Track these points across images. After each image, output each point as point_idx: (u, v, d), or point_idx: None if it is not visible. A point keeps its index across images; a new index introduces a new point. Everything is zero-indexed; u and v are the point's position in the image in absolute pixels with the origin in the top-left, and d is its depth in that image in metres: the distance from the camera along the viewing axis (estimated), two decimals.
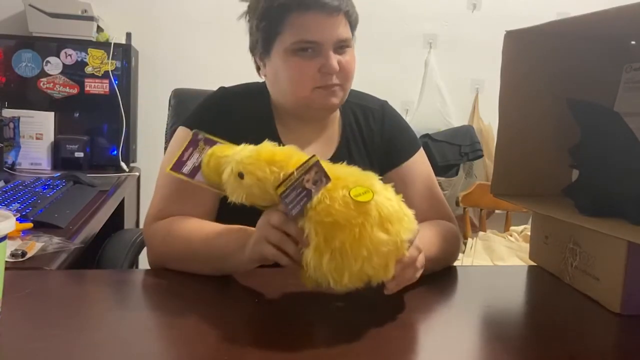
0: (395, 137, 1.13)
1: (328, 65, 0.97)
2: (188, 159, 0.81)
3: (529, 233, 1.35)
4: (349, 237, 0.68)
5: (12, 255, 0.93)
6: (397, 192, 1.10)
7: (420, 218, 1.04)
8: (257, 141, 1.00)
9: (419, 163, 1.12)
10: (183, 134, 1.06)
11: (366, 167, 1.09)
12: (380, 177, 1.10)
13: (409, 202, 1.06)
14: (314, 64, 0.97)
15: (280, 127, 1.08)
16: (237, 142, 0.97)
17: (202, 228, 0.93)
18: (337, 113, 1.13)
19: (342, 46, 1.00)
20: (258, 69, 1.09)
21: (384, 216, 0.70)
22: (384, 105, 1.16)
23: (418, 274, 0.80)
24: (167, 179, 1.00)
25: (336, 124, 1.12)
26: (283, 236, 0.75)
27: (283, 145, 1.05)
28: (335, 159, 1.08)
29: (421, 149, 1.14)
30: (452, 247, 1.02)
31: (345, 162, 1.07)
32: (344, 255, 0.68)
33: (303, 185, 0.70)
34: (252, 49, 1.06)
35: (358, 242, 0.68)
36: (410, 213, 0.76)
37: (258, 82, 1.12)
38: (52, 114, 2.16)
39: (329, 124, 1.11)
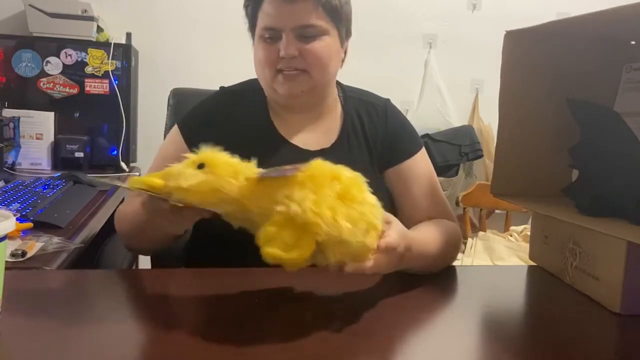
0: (399, 134, 1.13)
1: (283, 49, 0.99)
2: None
3: (529, 233, 1.35)
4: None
5: (12, 255, 0.93)
6: (398, 190, 1.11)
7: (422, 216, 1.06)
8: (254, 134, 1.06)
9: (421, 162, 1.13)
10: (176, 132, 1.11)
11: (365, 160, 1.10)
12: (381, 174, 1.12)
13: (411, 200, 1.09)
14: (274, 49, 1.01)
15: (275, 119, 1.10)
16: (234, 136, 1.03)
17: (128, 210, 1.02)
18: (338, 105, 1.14)
19: (307, 33, 1.01)
20: None
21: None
22: (387, 103, 1.17)
23: (387, 267, 0.77)
24: (154, 165, 1.09)
25: (337, 116, 1.13)
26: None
27: (281, 136, 1.09)
28: (333, 148, 1.10)
29: (423, 148, 1.15)
30: (453, 247, 1.02)
31: (343, 153, 1.09)
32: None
33: (284, 169, 0.70)
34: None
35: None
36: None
37: (256, 79, 1.14)
38: (52, 114, 2.15)
39: (325, 114, 1.12)
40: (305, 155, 1.06)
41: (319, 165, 0.71)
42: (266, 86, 1.06)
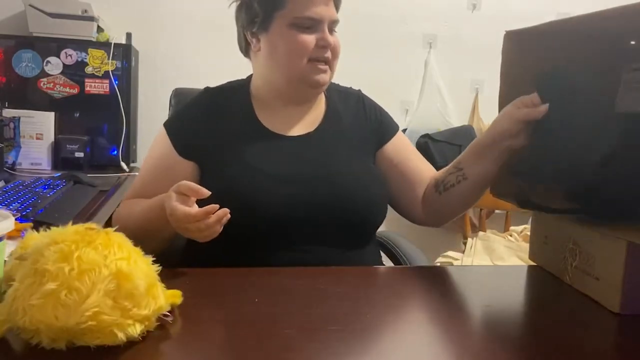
0: (380, 115, 1.23)
1: (325, 39, 1.06)
2: None
3: (529, 233, 1.35)
4: None
5: (12, 255, 0.92)
6: (398, 160, 1.19)
7: (428, 176, 1.19)
8: (239, 129, 1.10)
9: (403, 136, 1.25)
10: (163, 134, 1.14)
11: (353, 138, 1.16)
12: (374, 156, 1.19)
13: (413, 165, 1.20)
14: (312, 38, 1.06)
15: (260, 113, 1.13)
16: (219, 132, 1.10)
17: (134, 211, 1.06)
18: (323, 97, 1.19)
19: (334, 26, 1.09)
20: (247, 47, 1.15)
21: None
22: (359, 92, 1.26)
23: None
24: (144, 167, 1.14)
25: (321, 105, 1.18)
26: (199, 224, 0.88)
27: (266, 128, 1.11)
28: (318, 131, 1.14)
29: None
30: None
31: (329, 134, 1.14)
32: None
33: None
34: (247, 26, 1.12)
35: None
36: None
37: (239, 79, 1.20)
38: (52, 114, 2.16)
39: (313, 105, 1.17)
40: (290, 142, 1.10)
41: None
42: (292, 74, 1.09)
